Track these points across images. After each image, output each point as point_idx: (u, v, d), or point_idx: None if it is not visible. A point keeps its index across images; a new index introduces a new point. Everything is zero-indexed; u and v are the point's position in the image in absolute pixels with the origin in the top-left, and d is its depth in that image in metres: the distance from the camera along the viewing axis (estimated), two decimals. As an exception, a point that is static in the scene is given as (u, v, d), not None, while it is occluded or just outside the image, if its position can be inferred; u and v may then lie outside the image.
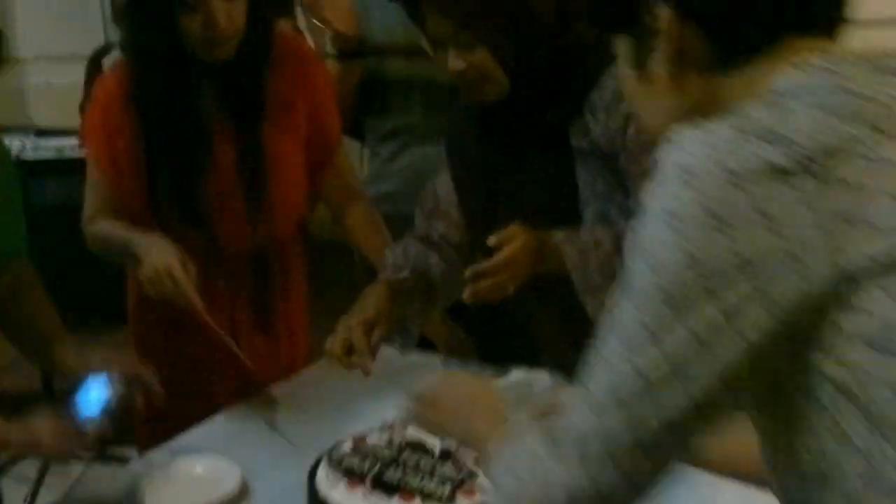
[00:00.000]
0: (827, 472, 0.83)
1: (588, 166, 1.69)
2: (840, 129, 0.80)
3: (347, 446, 1.60)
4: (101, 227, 2.00)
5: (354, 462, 1.54)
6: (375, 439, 1.61)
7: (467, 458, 1.52)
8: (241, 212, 2.00)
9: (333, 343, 1.76)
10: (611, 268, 1.61)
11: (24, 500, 3.06)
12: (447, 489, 1.47)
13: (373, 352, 1.78)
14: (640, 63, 0.98)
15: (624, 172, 1.66)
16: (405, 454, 1.55)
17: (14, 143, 3.03)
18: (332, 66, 2.46)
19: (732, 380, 0.82)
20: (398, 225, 2.07)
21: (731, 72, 0.92)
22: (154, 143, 1.94)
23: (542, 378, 1.59)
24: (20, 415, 3.52)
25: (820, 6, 0.92)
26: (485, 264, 1.60)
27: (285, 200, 2.05)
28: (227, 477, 1.60)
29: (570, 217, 1.71)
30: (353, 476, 1.52)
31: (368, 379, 1.79)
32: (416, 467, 1.52)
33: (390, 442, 1.59)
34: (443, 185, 1.93)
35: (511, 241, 1.60)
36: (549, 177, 1.75)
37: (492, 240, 1.60)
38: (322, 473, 1.54)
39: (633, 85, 1.01)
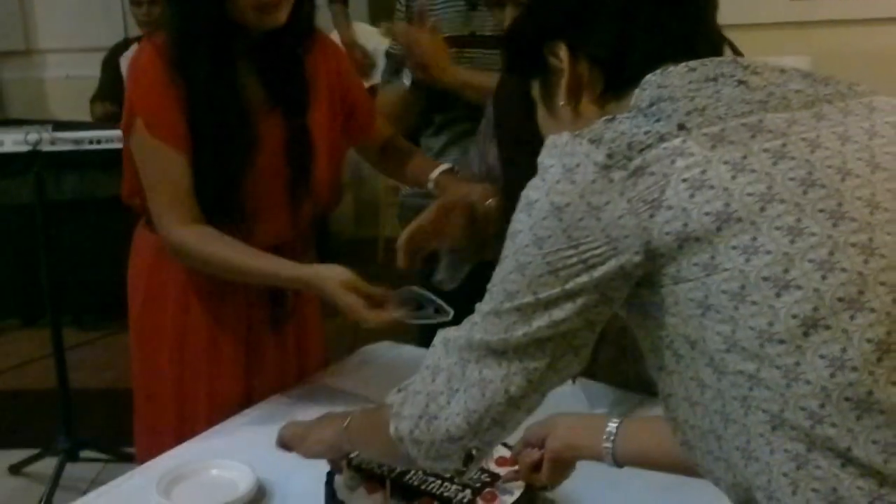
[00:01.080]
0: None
1: None
2: (648, 128, 0.98)
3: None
4: (216, 249, 1.85)
5: (373, 466, 1.52)
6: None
7: (488, 463, 1.51)
8: (282, 200, 1.94)
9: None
10: None
11: (40, 501, 3.09)
12: (467, 495, 1.45)
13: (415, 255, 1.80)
14: (550, 100, 1.17)
15: None
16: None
17: (31, 136, 2.99)
18: (404, 92, 2.46)
19: (570, 334, 1.04)
20: None
21: (619, 97, 1.10)
22: (199, 125, 1.83)
23: None
24: (34, 412, 3.54)
25: (701, 39, 1.11)
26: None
27: (323, 188, 2.01)
28: (243, 480, 1.59)
29: None
30: (371, 480, 1.50)
31: (381, 380, 1.77)
32: (436, 472, 1.48)
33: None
34: (492, 154, 1.96)
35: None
36: None
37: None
38: (340, 478, 1.53)
39: (545, 120, 1.19)
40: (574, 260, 0.99)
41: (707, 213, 0.94)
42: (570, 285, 1.00)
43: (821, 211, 0.95)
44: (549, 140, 1.03)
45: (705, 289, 0.95)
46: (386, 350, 2.17)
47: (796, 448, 0.94)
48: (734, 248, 0.94)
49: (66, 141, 3.08)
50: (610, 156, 0.97)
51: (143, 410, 2.09)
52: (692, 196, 0.95)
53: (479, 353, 1.08)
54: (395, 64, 2.59)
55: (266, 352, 2.03)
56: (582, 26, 1.11)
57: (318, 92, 1.95)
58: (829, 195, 0.95)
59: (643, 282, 1.00)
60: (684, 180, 0.95)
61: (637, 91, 1.05)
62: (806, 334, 0.93)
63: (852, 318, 0.93)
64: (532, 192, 1.02)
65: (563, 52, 1.11)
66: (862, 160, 0.99)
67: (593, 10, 1.11)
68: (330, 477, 1.55)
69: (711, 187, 0.95)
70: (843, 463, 0.93)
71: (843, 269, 0.93)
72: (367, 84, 4.54)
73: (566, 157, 1.00)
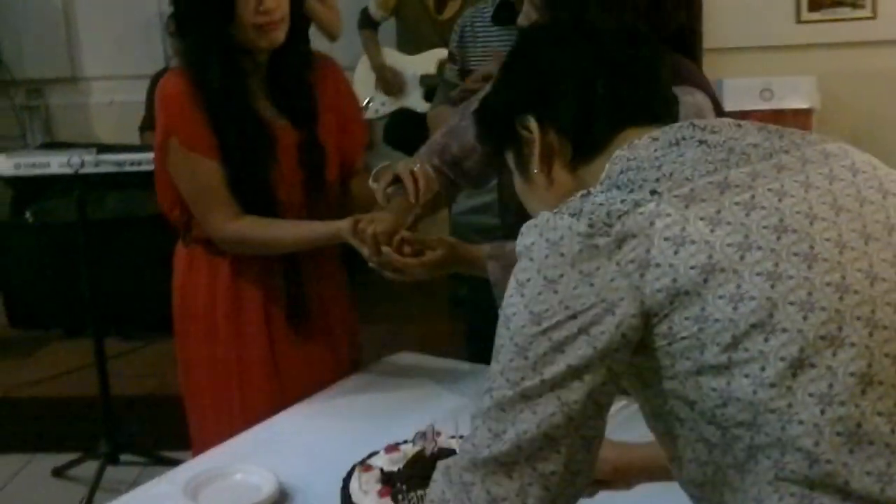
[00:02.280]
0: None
1: None
2: (623, 197, 0.99)
3: (381, 455, 1.59)
4: (260, 231, 1.99)
5: (387, 469, 1.53)
6: (409, 449, 1.59)
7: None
8: (300, 201, 2.04)
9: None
10: None
11: (81, 502, 3.10)
12: None
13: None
14: (524, 168, 1.19)
15: None
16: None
17: (74, 159, 3.02)
18: (445, 109, 2.47)
19: (581, 423, 0.98)
20: (493, 236, 2.04)
21: (588, 162, 1.13)
22: (229, 138, 1.95)
23: None
24: (76, 418, 3.54)
25: (657, 101, 1.15)
26: (399, 261, 1.75)
27: (335, 189, 2.11)
28: (265, 484, 1.59)
29: None
30: (386, 485, 1.50)
31: (403, 390, 1.80)
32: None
33: (423, 451, 1.55)
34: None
35: (433, 248, 1.77)
36: None
37: (405, 251, 1.75)
38: (356, 482, 1.53)
39: (522, 189, 1.22)
40: (575, 330, 0.96)
41: (693, 267, 0.95)
42: (574, 360, 0.96)
43: (795, 254, 0.96)
44: (528, 224, 1.04)
45: (700, 345, 0.95)
46: (407, 359, 2.16)
47: (801, 491, 0.93)
48: (721, 297, 0.94)
49: (108, 163, 3.11)
50: (591, 225, 0.98)
51: (192, 416, 2.16)
52: (676, 252, 0.95)
53: (484, 471, 0.97)
54: (447, 91, 2.61)
55: (291, 353, 2.08)
56: (548, 100, 1.15)
57: (323, 104, 2.06)
58: (800, 239, 0.97)
59: (638, 349, 0.98)
60: (666, 238, 0.96)
61: (608, 165, 1.08)
62: (794, 375, 0.93)
63: (834, 354, 0.93)
64: (521, 273, 1.00)
65: (532, 124, 1.14)
66: (826, 204, 1.01)
67: (557, 85, 1.15)
68: (346, 481, 1.55)
69: (693, 242, 0.96)
70: (844, 497, 0.92)
71: (822, 308, 0.94)
72: (397, 105, 4.57)
73: (549, 232, 1.00)
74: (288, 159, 2.01)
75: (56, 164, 3.16)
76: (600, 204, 1.00)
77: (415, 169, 1.81)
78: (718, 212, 0.97)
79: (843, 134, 4.87)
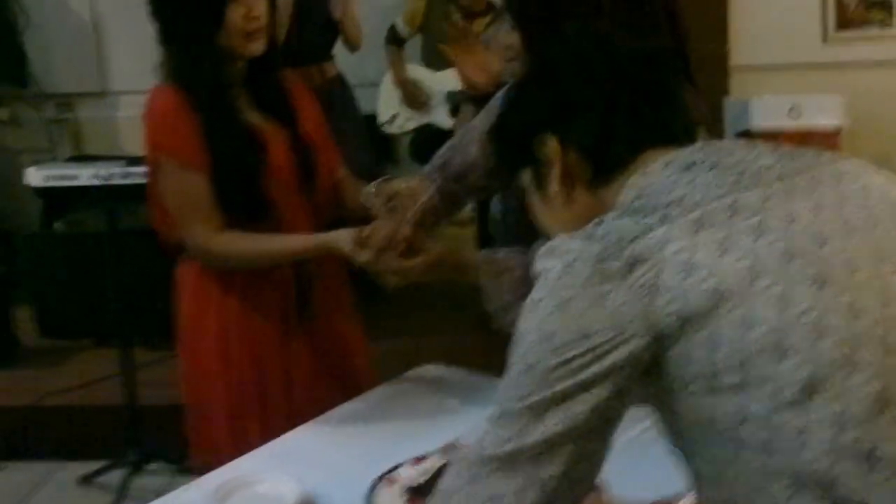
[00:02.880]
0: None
1: None
2: (634, 222, 1.01)
3: (407, 466, 1.59)
4: (244, 244, 2.00)
5: (414, 482, 1.54)
6: (434, 460, 1.59)
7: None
8: (297, 202, 2.06)
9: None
10: (519, 289, 1.67)
11: (108, 510, 3.12)
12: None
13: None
14: (541, 188, 1.19)
15: None
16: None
17: (102, 171, 3.06)
18: (467, 109, 2.49)
19: (583, 435, 1.00)
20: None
21: (606, 182, 1.13)
22: (219, 145, 1.96)
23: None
24: (104, 426, 3.55)
25: (677, 123, 1.15)
26: (396, 263, 1.78)
27: (327, 190, 2.13)
28: (290, 494, 1.59)
29: None
30: (411, 496, 1.51)
31: (428, 403, 1.80)
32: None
33: (448, 463, 1.55)
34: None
35: (427, 253, 1.79)
36: None
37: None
38: (381, 493, 1.54)
39: (539, 206, 1.22)
40: (584, 349, 0.98)
41: (702, 292, 0.96)
42: (582, 376, 0.98)
43: (804, 279, 0.97)
44: (545, 247, 1.05)
45: (711, 366, 0.96)
46: (434, 371, 2.16)
47: None
48: (731, 322, 0.95)
49: (136, 175, 3.14)
50: (603, 249, 0.99)
51: (198, 427, 2.17)
52: (685, 278, 0.96)
53: (489, 467, 1.01)
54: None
55: (301, 360, 2.11)
56: (568, 120, 1.15)
57: (301, 110, 2.10)
58: (809, 263, 0.97)
59: (651, 369, 0.99)
60: (676, 264, 0.97)
61: (623, 192, 1.08)
62: (809, 397, 0.93)
63: (849, 376, 0.93)
64: (536, 293, 1.03)
65: (552, 143, 1.15)
66: (836, 226, 1.01)
67: (577, 105, 1.15)
68: (371, 491, 1.55)
69: (702, 267, 0.96)
70: None
71: (835, 331, 0.94)
72: (422, 120, 4.59)
73: (563, 254, 1.02)
74: (280, 159, 2.02)
75: (85, 176, 3.21)
76: (611, 229, 1.01)
77: (412, 185, 1.84)
78: (727, 237, 0.98)
79: (871, 154, 4.81)
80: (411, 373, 2.17)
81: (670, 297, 0.96)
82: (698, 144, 1.11)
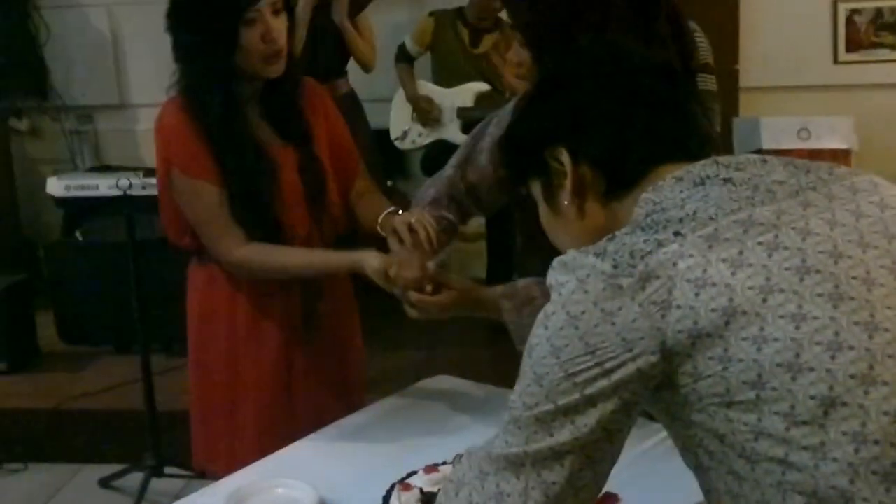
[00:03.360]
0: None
1: None
2: (646, 238, 1.00)
3: (421, 475, 1.61)
4: (269, 257, 1.99)
5: (426, 490, 1.55)
6: (447, 469, 1.59)
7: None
8: (306, 221, 2.06)
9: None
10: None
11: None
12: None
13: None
14: (552, 199, 1.17)
15: None
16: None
17: (122, 181, 3.09)
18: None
19: (589, 446, 1.00)
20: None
21: (619, 197, 1.12)
22: (229, 162, 1.96)
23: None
24: (123, 431, 3.55)
25: (693, 138, 1.13)
26: (418, 298, 1.78)
27: (337, 209, 2.13)
28: (306, 498, 1.62)
29: None
30: (425, 502, 1.52)
31: (440, 413, 1.81)
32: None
33: (459, 456, 1.58)
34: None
35: (448, 288, 1.79)
36: None
37: (426, 290, 1.79)
38: (395, 500, 1.55)
39: (549, 218, 1.20)
40: (591, 364, 0.97)
41: (714, 310, 0.94)
42: (588, 390, 0.98)
43: (819, 295, 0.95)
44: (557, 262, 1.05)
45: (725, 382, 0.95)
46: (445, 383, 2.18)
47: None
48: (744, 339, 0.94)
49: (153, 185, 3.15)
50: (615, 265, 0.98)
51: (199, 428, 2.20)
52: (697, 295, 0.95)
53: (497, 465, 1.04)
54: None
55: (304, 367, 2.13)
56: (581, 132, 1.12)
57: (317, 127, 2.09)
58: (824, 279, 0.95)
59: (663, 384, 0.99)
60: (688, 280, 0.95)
61: (636, 209, 1.07)
62: (826, 413, 0.91)
63: (866, 393, 0.91)
64: (549, 306, 1.02)
65: (564, 156, 1.13)
66: (852, 241, 0.99)
67: (592, 118, 1.12)
68: (387, 497, 1.57)
69: (714, 284, 0.95)
70: None
71: (851, 347, 0.92)
72: (434, 136, 4.62)
73: (576, 270, 1.01)
74: (290, 180, 2.02)
75: (105, 186, 3.23)
76: (624, 244, 1.00)
77: (412, 221, 1.85)
78: (741, 253, 0.96)
79: (881, 175, 4.81)
80: (422, 384, 2.19)
81: (681, 314, 0.95)
82: (711, 159, 1.08)
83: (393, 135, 4.67)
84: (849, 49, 4.85)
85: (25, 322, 4.12)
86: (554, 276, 1.04)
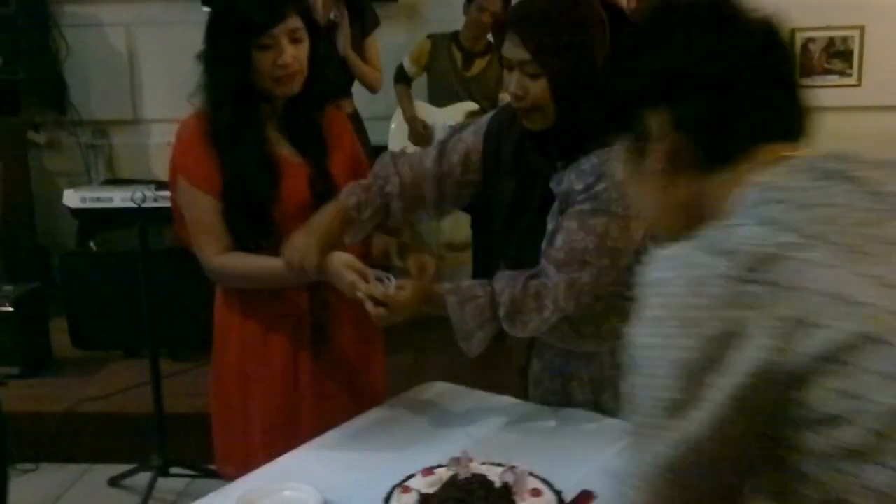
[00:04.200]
0: None
1: (554, 207, 1.77)
2: (770, 239, 0.85)
3: (418, 478, 1.60)
4: (241, 263, 1.98)
5: (424, 492, 1.54)
6: (443, 472, 1.60)
7: (525, 490, 1.52)
8: None
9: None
10: (482, 318, 1.73)
11: (135, 510, 3.12)
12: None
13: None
14: (640, 160, 1.03)
15: (558, 223, 1.75)
16: (471, 486, 1.53)
17: (136, 194, 3.08)
18: None
19: (709, 453, 0.86)
20: None
21: (715, 172, 0.97)
22: (231, 171, 1.97)
23: None
24: (132, 432, 3.53)
25: (794, 119, 1.00)
26: (378, 291, 1.75)
27: None
28: (311, 500, 1.61)
29: (533, 232, 1.79)
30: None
31: (436, 417, 1.80)
32: (482, 498, 1.50)
33: (457, 475, 1.57)
34: (476, 145, 1.93)
35: (403, 288, 1.75)
36: (536, 199, 1.81)
37: (390, 287, 1.75)
38: (395, 502, 1.55)
39: (632, 178, 1.06)
40: (710, 373, 0.84)
41: (848, 333, 0.81)
42: (704, 395, 0.85)
43: None
44: (659, 254, 0.91)
45: (841, 421, 0.81)
46: (439, 388, 2.16)
47: None
48: (877, 372, 0.80)
49: (166, 198, 3.14)
50: (736, 269, 0.84)
51: (218, 431, 2.20)
52: (831, 314, 0.81)
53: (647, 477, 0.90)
54: None
55: (311, 375, 2.10)
56: (683, 94, 0.98)
57: (336, 148, 2.09)
58: None
59: (772, 413, 0.85)
60: (821, 296, 0.81)
61: (739, 188, 0.93)
62: None
63: None
64: (655, 309, 0.89)
65: (663, 118, 0.98)
66: None
67: (698, 82, 0.97)
68: (387, 499, 1.56)
69: (853, 303, 0.81)
70: None
71: None
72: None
73: (687, 269, 0.87)
74: (300, 195, 2.01)
75: (118, 198, 3.21)
76: (744, 243, 0.85)
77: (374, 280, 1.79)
78: (886, 273, 0.82)
79: None
80: (417, 389, 2.17)
81: (810, 333, 0.81)
82: (826, 155, 0.95)
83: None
84: (803, 74, 4.94)
85: (39, 328, 4.10)
86: (655, 271, 0.89)
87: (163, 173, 5.03)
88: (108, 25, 5.21)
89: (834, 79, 4.92)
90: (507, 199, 1.86)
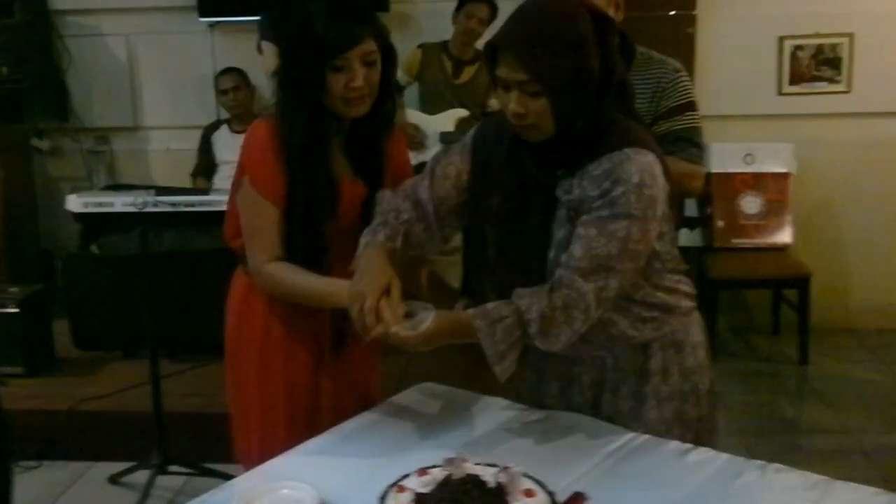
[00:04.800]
0: None
1: (561, 215, 1.72)
2: None
3: (413, 477, 1.59)
4: (286, 276, 1.93)
5: (419, 491, 1.52)
6: (438, 472, 1.58)
7: (518, 491, 1.51)
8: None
9: (365, 318, 1.67)
10: (511, 338, 1.67)
11: (134, 508, 3.09)
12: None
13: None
14: None
15: (575, 232, 1.69)
16: (465, 486, 1.51)
17: (137, 199, 3.05)
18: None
19: None
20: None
21: None
22: (297, 187, 1.93)
23: None
24: (131, 431, 3.51)
25: None
26: (402, 335, 1.66)
27: None
28: (308, 499, 1.59)
29: (537, 244, 1.74)
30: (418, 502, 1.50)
31: (430, 418, 1.76)
32: (475, 498, 1.48)
33: (451, 475, 1.55)
34: (464, 165, 1.88)
35: (426, 323, 1.67)
36: (537, 210, 1.76)
37: (407, 325, 1.66)
38: (390, 501, 1.53)
39: None
40: None
41: None
42: None
43: None
44: None
45: None
46: (432, 389, 2.13)
47: None
48: None
49: (165, 203, 3.14)
50: None
51: (237, 425, 2.14)
52: None
53: None
54: None
55: (330, 376, 2.08)
56: None
57: (390, 170, 2.05)
58: None
59: None
60: None
61: None
62: None
63: None
64: None
65: None
66: None
67: None
68: (382, 498, 1.54)
69: None
70: None
71: None
72: (419, 159, 4.60)
73: None
74: (351, 215, 1.98)
75: (119, 203, 3.19)
76: None
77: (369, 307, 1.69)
78: None
79: (816, 196, 4.94)
80: (411, 391, 2.15)
81: None
82: None
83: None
84: (792, 81, 4.96)
85: (42, 329, 4.07)
86: None
87: (162, 178, 5.08)
88: (108, 35, 5.20)
89: (823, 86, 4.92)
90: (500, 206, 1.81)
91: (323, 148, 1.95)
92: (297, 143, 1.91)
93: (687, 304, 1.88)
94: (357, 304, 1.69)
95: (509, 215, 1.80)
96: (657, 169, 1.66)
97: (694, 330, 1.90)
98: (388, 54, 1.95)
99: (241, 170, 1.99)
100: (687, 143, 2.38)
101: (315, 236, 1.95)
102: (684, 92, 2.38)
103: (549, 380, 1.95)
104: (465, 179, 1.87)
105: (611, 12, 2.28)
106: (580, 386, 1.90)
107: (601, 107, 1.67)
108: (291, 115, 1.92)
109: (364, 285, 1.71)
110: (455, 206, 1.87)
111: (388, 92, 1.98)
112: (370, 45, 1.88)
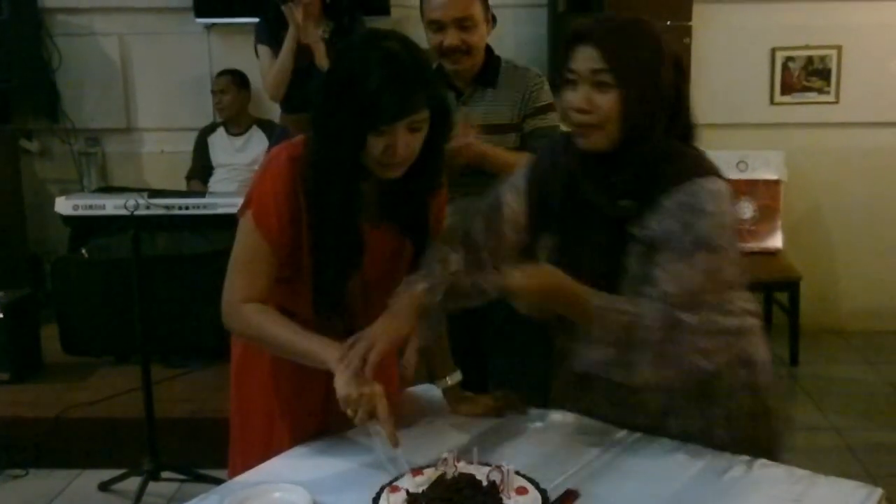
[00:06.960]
0: None
1: (634, 250, 1.68)
2: None
3: (407, 478, 1.60)
4: (262, 321, 1.82)
5: (412, 491, 1.53)
6: (432, 472, 1.59)
7: (511, 489, 1.53)
8: (382, 304, 1.82)
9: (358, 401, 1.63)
10: (629, 335, 1.60)
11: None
12: None
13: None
14: None
15: (655, 266, 1.65)
16: (458, 485, 1.52)
17: (129, 202, 3.05)
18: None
19: None
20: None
21: None
22: (315, 231, 1.82)
23: None
24: (123, 437, 3.49)
25: None
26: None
27: None
28: (301, 501, 1.59)
29: (608, 281, 1.69)
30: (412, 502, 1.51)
31: (426, 419, 1.78)
32: (468, 497, 1.49)
33: (445, 474, 1.56)
34: (520, 203, 1.86)
35: (530, 271, 1.63)
36: (602, 243, 1.73)
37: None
38: (384, 501, 1.54)
39: None
40: None
41: None
42: None
43: None
44: None
45: None
46: (427, 391, 2.12)
47: None
48: None
49: (158, 206, 3.12)
50: None
51: (238, 438, 2.08)
52: None
53: None
54: None
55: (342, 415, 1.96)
56: None
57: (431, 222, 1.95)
58: None
59: None
60: None
61: None
62: None
63: None
64: None
65: None
66: None
67: None
68: (376, 498, 1.56)
69: None
70: None
71: None
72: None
73: None
74: (376, 262, 1.87)
75: (111, 206, 3.18)
76: None
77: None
78: None
79: (806, 202, 5.01)
80: (406, 392, 2.12)
81: None
82: None
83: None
84: (783, 92, 5.07)
85: (30, 334, 4.06)
86: None
87: (155, 181, 5.05)
88: (100, 35, 5.17)
89: (812, 96, 5.04)
90: (561, 242, 1.78)
91: (356, 202, 1.81)
92: (324, 191, 1.78)
93: (752, 321, 1.85)
94: (355, 345, 1.65)
95: (569, 250, 1.77)
96: (730, 195, 1.68)
97: (762, 348, 1.88)
98: (442, 114, 1.79)
99: (249, 199, 1.85)
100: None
101: (338, 291, 1.83)
102: (547, 94, 2.75)
103: (600, 401, 1.89)
104: (522, 222, 1.85)
105: (484, 28, 2.65)
106: (645, 408, 1.83)
107: (670, 129, 1.68)
108: (322, 171, 1.78)
109: (377, 327, 1.67)
110: (513, 247, 1.85)
111: (436, 154, 1.83)
112: (421, 114, 1.73)
